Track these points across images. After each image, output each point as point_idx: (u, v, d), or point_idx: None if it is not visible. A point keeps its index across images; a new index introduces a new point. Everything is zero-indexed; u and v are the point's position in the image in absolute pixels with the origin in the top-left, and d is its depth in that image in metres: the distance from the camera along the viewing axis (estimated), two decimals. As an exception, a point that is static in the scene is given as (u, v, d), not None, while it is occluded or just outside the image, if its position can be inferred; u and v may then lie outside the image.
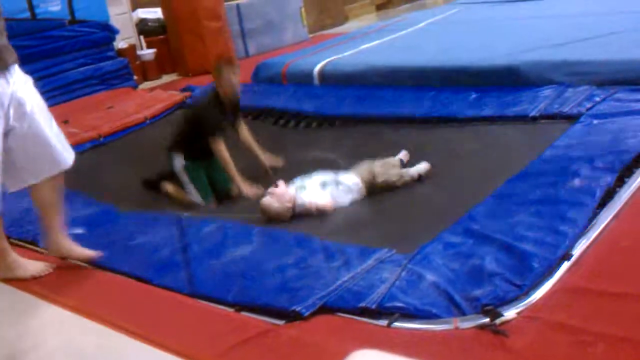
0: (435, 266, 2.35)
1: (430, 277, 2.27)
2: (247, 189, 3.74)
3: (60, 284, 2.73)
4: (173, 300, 2.49)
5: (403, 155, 3.72)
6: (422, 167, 3.52)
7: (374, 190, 3.41)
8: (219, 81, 3.88)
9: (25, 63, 5.94)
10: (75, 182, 4.42)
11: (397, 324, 2.09)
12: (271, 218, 3.27)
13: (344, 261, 2.49)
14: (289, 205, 3.26)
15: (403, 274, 2.32)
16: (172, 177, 3.97)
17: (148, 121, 5.61)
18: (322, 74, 5.67)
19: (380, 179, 3.41)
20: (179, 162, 3.87)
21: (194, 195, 3.84)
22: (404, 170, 3.53)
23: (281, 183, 3.34)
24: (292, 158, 4.20)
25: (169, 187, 3.98)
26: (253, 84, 6.18)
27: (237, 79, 3.89)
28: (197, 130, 3.85)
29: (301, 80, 5.79)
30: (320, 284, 2.34)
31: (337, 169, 3.55)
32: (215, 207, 3.80)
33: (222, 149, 3.77)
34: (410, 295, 2.18)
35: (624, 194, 2.75)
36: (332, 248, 2.63)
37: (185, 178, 3.86)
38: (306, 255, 2.61)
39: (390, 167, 3.50)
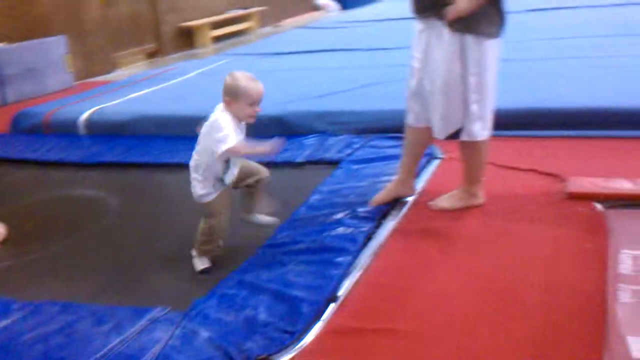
0: (210, 321, 2.32)
1: (204, 332, 2.25)
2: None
3: None
4: None
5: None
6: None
7: None
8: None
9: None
10: None
11: (170, 385, 2.02)
12: None
13: (115, 324, 2.36)
14: None
15: (177, 332, 2.26)
16: None
17: None
18: (89, 123, 5.42)
19: None
20: None
21: None
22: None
23: None
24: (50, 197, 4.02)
25: None
26: (10, 135, 5.70)
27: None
28: None
29: (65, 130, 5.46)
30: (87, 351, 2.20)
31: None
32: None
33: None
34: (185, 353, 2.13)
35: (381, 235, 3.00)
36: (101, 311, 2.49)
37: None
38: (73, 321, 2.44)
39: None
